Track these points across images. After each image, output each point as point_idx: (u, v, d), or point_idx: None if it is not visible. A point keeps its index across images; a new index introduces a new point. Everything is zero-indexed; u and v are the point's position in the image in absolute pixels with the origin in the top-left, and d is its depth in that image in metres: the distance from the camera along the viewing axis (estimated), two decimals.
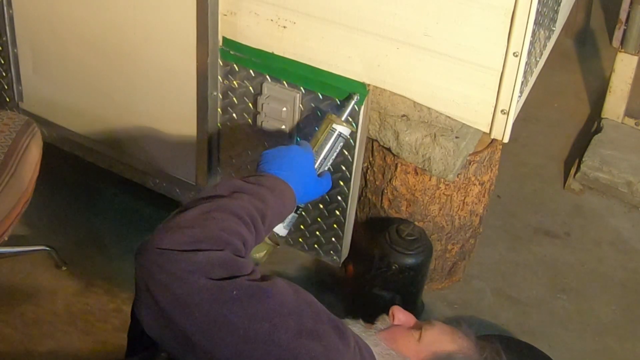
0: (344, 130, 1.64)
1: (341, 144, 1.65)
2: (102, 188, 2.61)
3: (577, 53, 3.77)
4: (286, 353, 1.07)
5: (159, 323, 1.08)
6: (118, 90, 2.12)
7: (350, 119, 1.74)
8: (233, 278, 1.09)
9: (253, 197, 1.26)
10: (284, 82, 1.82)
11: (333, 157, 1.64)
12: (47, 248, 2.35)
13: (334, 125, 1.62)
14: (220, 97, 1.94)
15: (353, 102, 1.72)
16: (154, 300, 1.07)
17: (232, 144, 1.99)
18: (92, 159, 2.30)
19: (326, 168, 1.63)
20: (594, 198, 2.90)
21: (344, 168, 1.84)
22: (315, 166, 1.56)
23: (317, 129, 1.67)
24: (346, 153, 1.82)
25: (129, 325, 1.35)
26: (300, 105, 1.82)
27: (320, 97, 1.79)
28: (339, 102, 1.76)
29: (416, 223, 2.10)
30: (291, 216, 1.54)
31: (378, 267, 2.04)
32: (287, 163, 1.42)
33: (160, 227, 1.14)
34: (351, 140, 1.80)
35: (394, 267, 2.02)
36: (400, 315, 1.36)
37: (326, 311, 1.17)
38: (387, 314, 1.37)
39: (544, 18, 1.82)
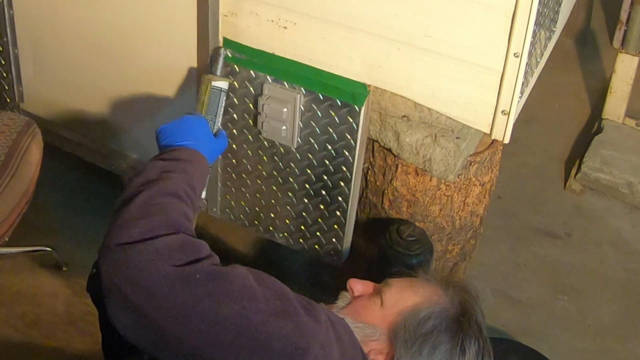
0: (223, 84, 1.70)
1: (224, 98, 1.70)
2: (102, 188, 2.61)
3: (578, 54, 3.77)
4: (258, 334, 1.08)
5: (133, 320, 1.09)
6: (119, 90, 2.12)
7: (229, 77, 1.82)
8: (194, 262, 1.11)
9: (179, 173, 1.30)
10: (285, 83, 1.82)
11: (221, 113, 1.68)
12: (48, 248, 2.35)
13: (213, 84, 1.68)
14: None
15: (222, 57, 1.79)
16: (125, 297, 1.08)
17: (232, 145, 1.99)
18: (92, 159, 2.30)
19: (219, 125, 1.68)
20: (594, 199, 2.90)
21: (344, 169, 1.84)
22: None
23: (197, 93, 1.72)
24: (347, 154, 1.82)
25: (102, 340, 1.35)
26: (301, 106, 1.82)
27: (321, 97, 1.79)
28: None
29: (417, 224, 2.10)
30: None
31: (379, 267, 2.04)
32: (188, 133, 1.47)
33: (112, 226, 1.16)
34: (352, 141, 1.80)
35: (394, 268, 2.01)
36: (357, 286, 1.36)
37: (291, 292, 1.18)
38: (346, 289, 1.37)
39: (544, 19, 1.82)
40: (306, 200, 1.94)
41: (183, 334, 1.07)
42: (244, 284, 1.12)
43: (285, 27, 1.77)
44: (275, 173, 1.95)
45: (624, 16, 3.09)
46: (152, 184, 1.24)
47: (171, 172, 1.29)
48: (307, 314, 1.14)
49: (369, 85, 1.75)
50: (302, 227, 1.98)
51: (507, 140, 1.67)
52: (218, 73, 1.77)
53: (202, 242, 1.17)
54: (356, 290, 1.36)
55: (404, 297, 1.30)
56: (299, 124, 1.84)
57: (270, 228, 2.05)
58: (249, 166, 1.99)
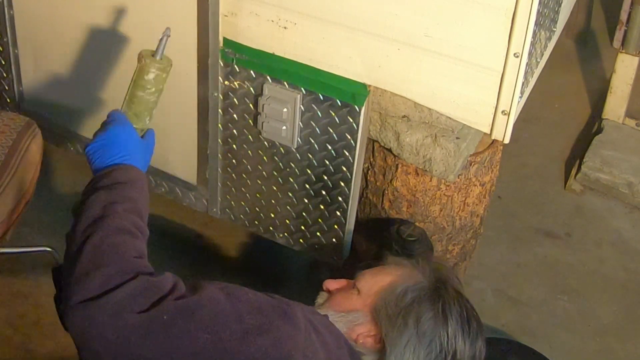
0: (159, 70, 1.47)
1: (162, 87, 1.48)
2: None
3: (578, 54, 3.77)
4: (237, 356, 1.08)
5: None
6: (119, 91, 2.11)
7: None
8: (158, 302, 1.09)
9: (123, 202, 1.24)
10: (285, 83, 1.82)
11: (155, 105, 1.48)
12: (48, 249, 2.34)
13: (146, 77, 1.45)
14: (221, 97, 1.94)
15: (165, 38, 1.49)
16: (96, 353, 1.07)
17: (232, 145, 1.99)
18: None
19: (149, 118, 1.47)
20: (594, 199, 2.90)
21: (344, 169, 1.84)
22: (138, 128, 1.43)
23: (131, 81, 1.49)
24: (347, 154, 1.82)
25: None
26: (301, 106, 1.82)
27: (321, 97, 1.79)
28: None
29: (417, 224, 2.10)
30: None
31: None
32: (118, 148, 1.35)
33: (68, 282, 1.13)
34: (352, 141, 1.80)
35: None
36: (333, 284, 1.40)
37: (267, 300, 1.17)
38: (323, 290, 1.41)
39: (544, 19, 1.82)
40: (306, 200, 1.94)
41: None
42: (213, 310, 1.11)
43: (285, 27, 1.76)
44: (275, 173, 1.95)
45: (624, 16, 3.09)
46: (99, 225, 1.19)
47: (115, 204, 1.23)
48: (285, 322, 1.14)
49: (369, 85, 1.75)
50: (302, 227, 1.98)
51: (507, 141, 1.67)
52: (158, 57, 1.49)
53: (163, 276, 1.14)
54: (332, 288, 1.40)
55: (378, 280, 1.34)
56: (299, 124, 1.84)
57: (270, 228, 2.05)
58: (249, 166, 1.99)
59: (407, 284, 1.30)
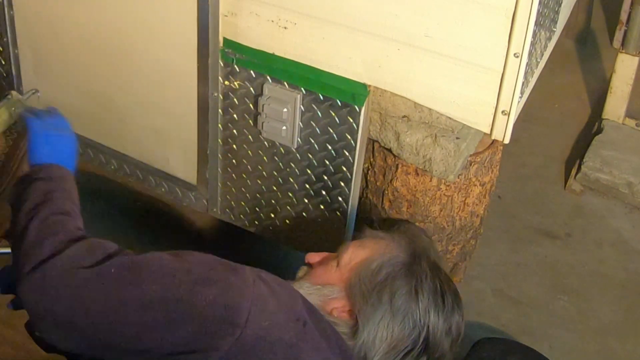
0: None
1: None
2: (102, 188, 2.61)
3: (578, 54, 3.77)
4: (187, 306, 1.11)
5: (66, 336, 1.13)
6: (118, 90, 2.12)
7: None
8: (107, 259, 1.15)
9: (59, 191, 1.33)
10: (285, 83, 1.82)
11: None
12: None
13: (13, 109, 1.68)
14: (221, 97, 1.94)
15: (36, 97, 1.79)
16: (53, 316, 1.12)
17: (232, 145, 1.99)
18: (92, 159, 2.30)
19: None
20: (594, 199, 2.90)
21: (344, 169, 1.84)
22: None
23: None
24: (347, 154, 1.82)
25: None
26: (301, 106, 1.82)
27: (321, 97, 1.79)
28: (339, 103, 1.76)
29: (417, 224, 2.10)
30: None
31: None
32: (65, 154, 1.48)
33: (19, 256, 1.19)
34: (352, 141, 1.80)
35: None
36: (315, 257, 1.42)
37: (215, 259, 1.20)
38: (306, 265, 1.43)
39: (544, 19, 1.83)
40: (306, 200, 1.94)
41: (115, 330, 1.11)
42: (160, 264, 1.15)
43: (285, 27, 1.77)
44: (275, 173, 1.95)
45: (624, 16, 3.10)
46: (42, 207, 1.27)
47: (53, 192, 1.31)
48: (232, 274, 1.17)
49: (369, 86, 1.75)
50: (302, 227, 1.98)
51: (507, 141, 1.67)
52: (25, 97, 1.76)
53: (107, 241, 1.21)
54: (313, 261, 1.42)
55: (357, 254, 1.36)
56: (299, 124, 1.85)
57: (270, 228, 2.05)
58: (249, 166, 1.99)
59: (382, 259, 1.32)
